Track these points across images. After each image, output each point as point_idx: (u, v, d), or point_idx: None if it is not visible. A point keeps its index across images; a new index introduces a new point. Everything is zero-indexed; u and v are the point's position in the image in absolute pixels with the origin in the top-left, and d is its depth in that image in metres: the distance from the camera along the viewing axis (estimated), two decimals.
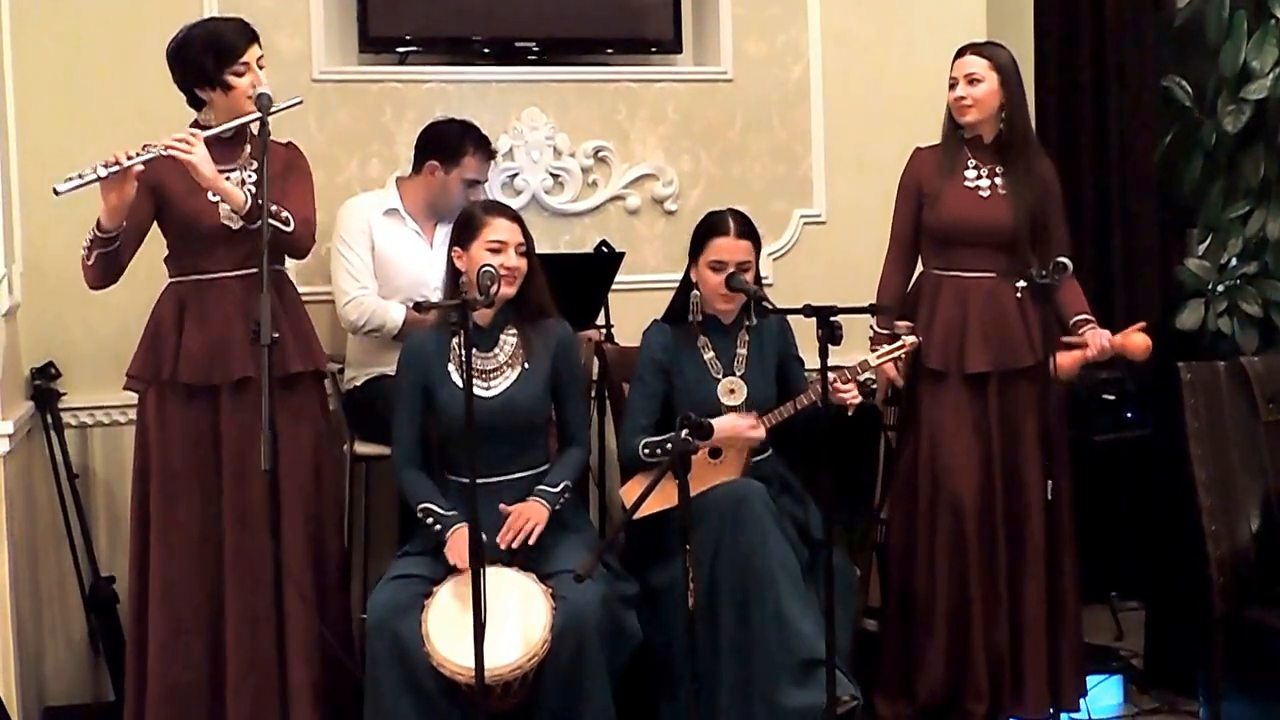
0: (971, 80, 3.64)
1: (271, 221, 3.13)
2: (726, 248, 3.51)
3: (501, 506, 3.26)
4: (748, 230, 3.55)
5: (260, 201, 3.14)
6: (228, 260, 3.27)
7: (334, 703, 3.37)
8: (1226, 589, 3.30)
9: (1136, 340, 3.61)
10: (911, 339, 3.54)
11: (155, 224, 3.33)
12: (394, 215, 3.86)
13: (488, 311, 3.33)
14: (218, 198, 3.20)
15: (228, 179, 3.26)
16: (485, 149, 3.89)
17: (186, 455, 3.28)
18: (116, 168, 3.02)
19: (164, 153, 3.09)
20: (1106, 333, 3.64)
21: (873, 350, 3.77)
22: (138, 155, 3.06)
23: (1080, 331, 3.67)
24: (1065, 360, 3.56)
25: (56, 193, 2.99)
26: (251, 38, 3.26)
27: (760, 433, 3.48)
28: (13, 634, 3.36)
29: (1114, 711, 3.89)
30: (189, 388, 3.27)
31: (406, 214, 3.87)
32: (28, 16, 3.82)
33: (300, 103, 3.19)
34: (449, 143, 3.84)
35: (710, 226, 3.56)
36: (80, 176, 3.00)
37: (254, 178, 3.28)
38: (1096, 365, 4.05)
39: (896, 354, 3.52)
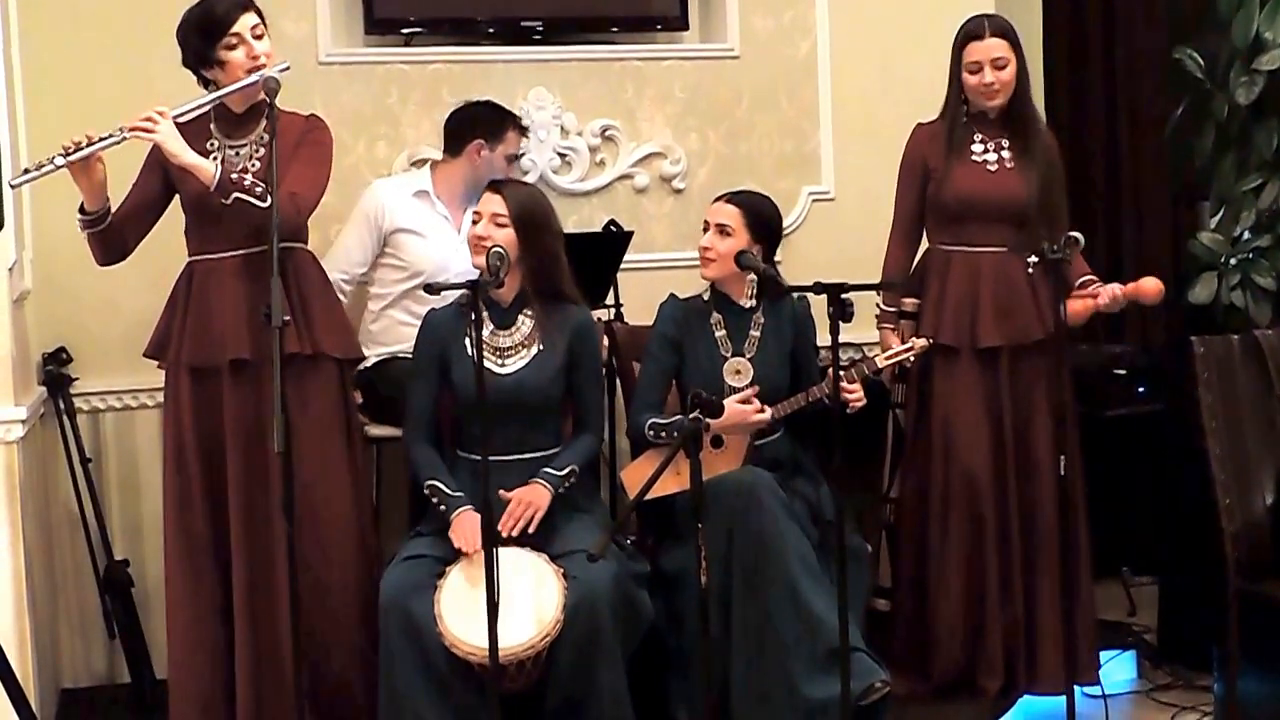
0: (999, 65, 3.60)
1: (241, 195, 3.12)
2: (711, 210, 3.55)
3: (501, 492, 3.23)
4: (738, 199, 3.55)
5: (233, 177, 3.13)
6: (231, 238, 3.25)
7: (343, 680, 3.36)
8: (1241, 563, 3.29)
9: (1147, 284, 3.57)
10: (921, 342, 3.52)
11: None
12: (423, 197, 3.88)
13: (506, 291, 3.32)
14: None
15: (236, 154, 3.26)
16: (520, 125, 3.97)
17: (196, 434, 3.28)
18: (75, 155, 3.00)
19: (128, 134, 3.07)
20: (1117, 285, 3.62)
21: (879, 328, 3.77)
22: (100, 140, 3.04)
23: (1089, 289, 3.65)
24: (1075, 306, 3.53)
25: (11, 186, 3.00)
26: (243, 7, 3.20)
27: (764, 416, 3.47)
28: (28, 617, 3.37)
29: (1128, 687, 3.89)
30: (194, 368, 3.28)
31: (436, 198, 3.88)
32: (36, 1, 3.82)
33: (288, 67, 3.16)
34: (490, 121, 3.89)
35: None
36: (38, 168, 2.99)
37: (261, 152, 3.27)
38: (1109, 339, 4.05)
39: (904, 357, 3.50)
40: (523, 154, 4.04)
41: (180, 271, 3.33)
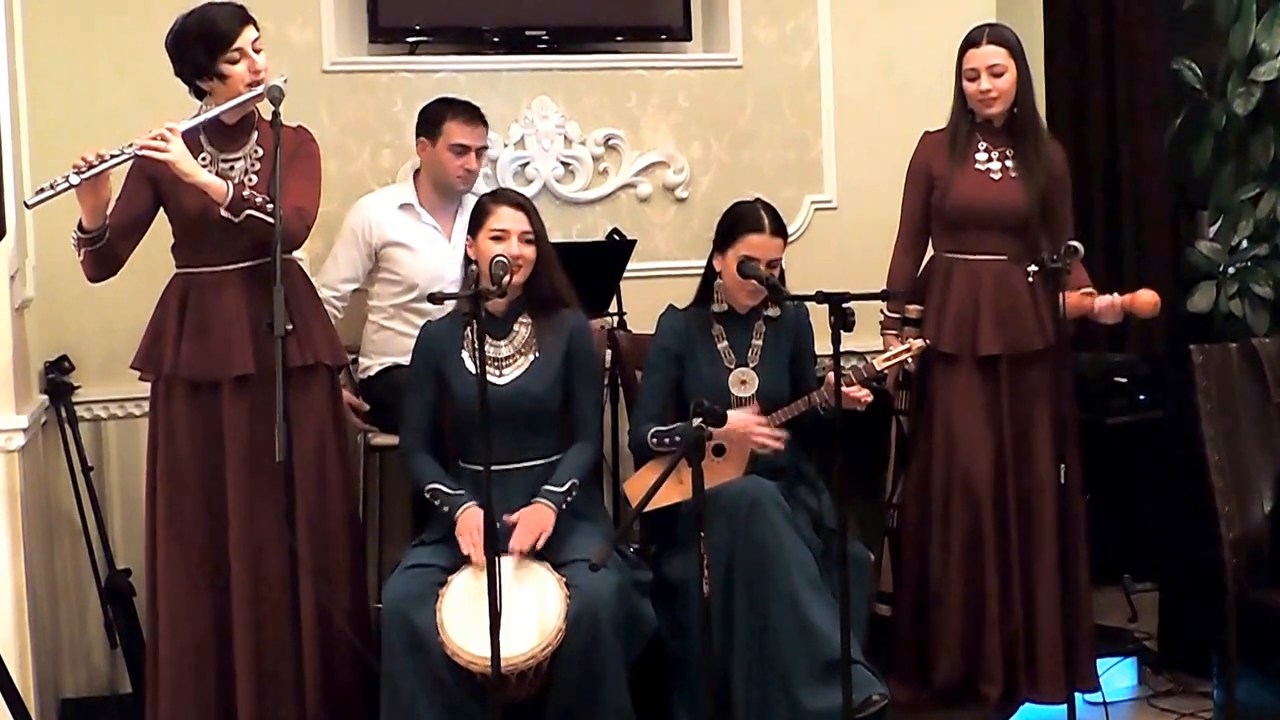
0: (995, 73, 3.61)
1: (254, 213, 3.11)
2: (761, 245, 3.46)
3: (506, 517, 3.24)
4: (780, 226, 3.51)
5: (245, 194, 3.13)
6: (229, 252, 3.24)
7: (345, 692, 3.37)
8: (1239, 570, 3.30)
9: (1144, 295, 3.58)
10: (918, 343, 3.52)
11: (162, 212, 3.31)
12: (408, 210, 3.88)
13: (501, 300, 3.33)
14: None
15: (231, 168, 3.26)
16: (467, 113, 3.86)
17: (191, 448, 3.27)
18: (89, 173, 2.99)
19: (138, 153, 3.06)
20: (1116, 295, 3.63)
21: (882, 335, 3.78)
22: (111, 158, 3.03)
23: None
24: (1072, 299, 3.51)
25: (27, 206, 3.00)
26: (244, 21, 3.19)
27: (772, 444, 3.45)
28: (29, 627, 3.36)
29: (1128, 693, 3.90)
30: (191, 382, 3.26)
31: (421, 208, 3.88)
32: (39, 9, 3.83)
33: (286, 81, 3.12)
34: (430, 116, 3.86)
35: (743, 220, 3.49)
36: (52, 187, 2.99)
37: (257, 166, 3.27)
38: (1110, 348, 4.05)
39: (903, 358, 3.50)
40: (483, 146, 3.91)
41: (168, 283, 3.32)
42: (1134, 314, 3.62)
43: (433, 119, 3.85)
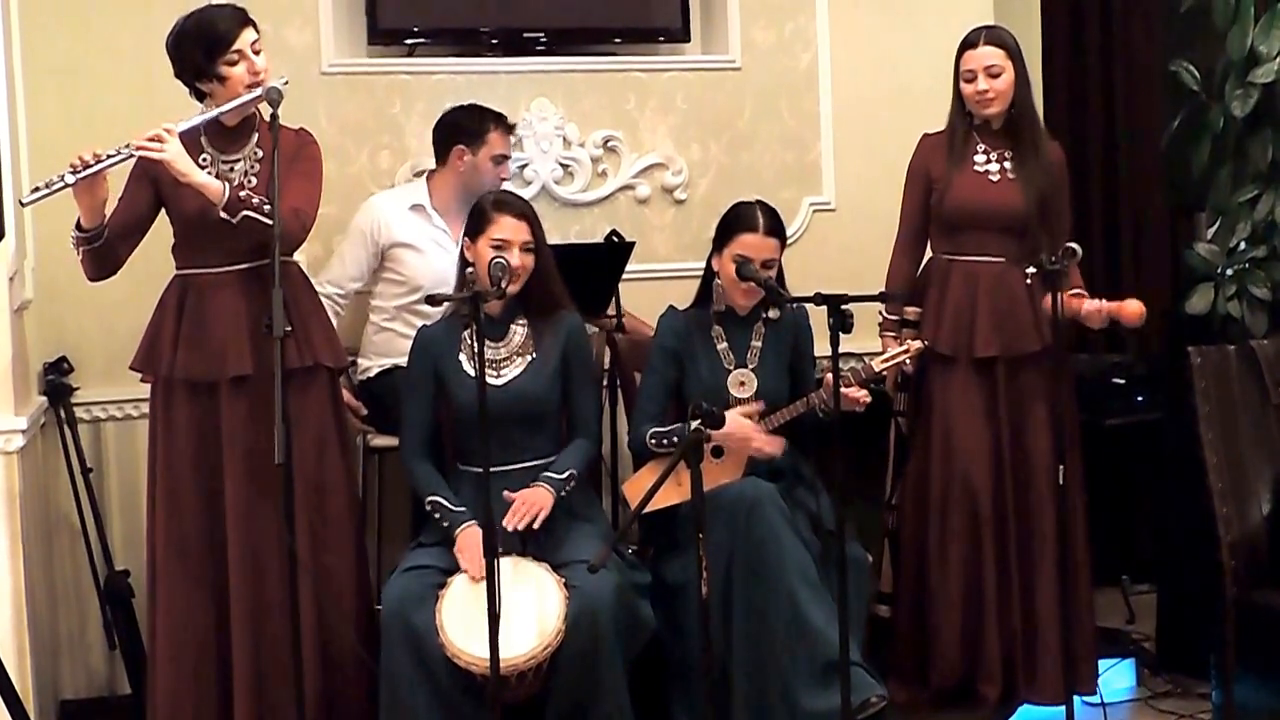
0: (993, 73, 3.62)
1: (251, 214, 3.11)
2: (754, 244, 3.47)
3: (506, 493, 3.26)
4: (776, 227, 3.52)
5: (241, 195, 3.13)
6: (227, 253, 3.24)
7: (344, 693, 3.37)
8: (1238, 572, 3.31)
9: (1130, 305, 3.58)
10: (916, 344, 3.54)
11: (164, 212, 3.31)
12: (419, 211, 3.87)
13: (497, 302, 3.33)
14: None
15: (231, 169, 3.26)
16: (505, 124, 3.92)
17: (191, 450, 3.27)
18: (85, 172, 2.99)
19: (134, 152, 3.06)
20: (1103, 300, 3.63)
21: (881, 336, 3.79)
22: (108, 157, 3.03)
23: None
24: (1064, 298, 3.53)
25: (22, 204, 3.00)
26: (243, 23, 3.19)
27: (770, 450, 3.46)
28: (28, 628, 3.36)
29: (1126, 695, 3.89)
30: (190, 383, 3.27)
31: (433, 210, 3.88)
32: (37, 10, 3.83)
33: (286, 82, 3.12)
34: (470, 124, 3.87)
35: (739, 219, 3.51)
36: (48, 186, 2.99)
37: (257, 167, 3.28)
38: (1108, 349, 4.05)
39: (900, 359, 3.50)
40: (512, 156, 3.98)
41: (168, 284, 3.32)
42: (1119, 322, 3.62)
43: (473, 129, 3.85)
